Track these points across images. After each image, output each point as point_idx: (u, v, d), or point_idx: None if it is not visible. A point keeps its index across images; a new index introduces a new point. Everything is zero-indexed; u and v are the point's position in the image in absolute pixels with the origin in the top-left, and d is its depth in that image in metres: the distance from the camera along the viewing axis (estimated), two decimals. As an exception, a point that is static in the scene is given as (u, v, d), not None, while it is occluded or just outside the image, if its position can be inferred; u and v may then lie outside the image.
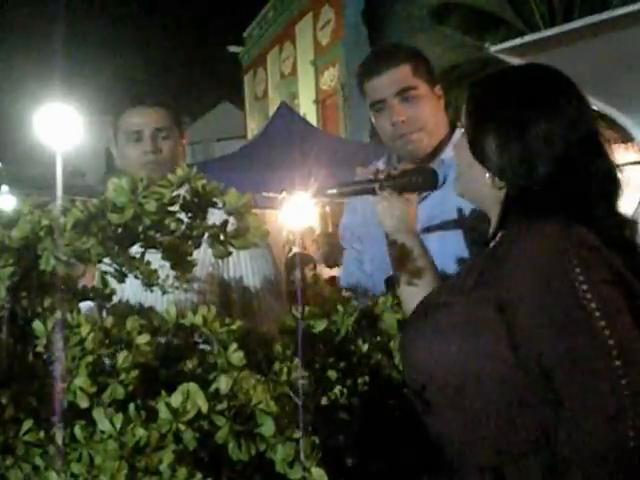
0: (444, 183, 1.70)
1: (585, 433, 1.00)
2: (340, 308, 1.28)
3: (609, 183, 1.19)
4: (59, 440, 0.92)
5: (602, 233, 1.11)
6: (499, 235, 1.21)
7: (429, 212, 1.89)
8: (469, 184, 1.27)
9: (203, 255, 1.11)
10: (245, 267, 1.88)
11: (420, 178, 1.59)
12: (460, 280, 1.22)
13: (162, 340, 1.04)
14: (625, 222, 1.18)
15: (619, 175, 1.20)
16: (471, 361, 1.11)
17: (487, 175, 1.20)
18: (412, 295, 1.38)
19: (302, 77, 16.50)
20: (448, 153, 1.85)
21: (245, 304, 1.88)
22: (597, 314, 1.02)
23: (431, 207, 1.89)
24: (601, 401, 1.00)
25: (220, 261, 1.83)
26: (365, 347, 1.23)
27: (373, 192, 1.57)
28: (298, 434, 0.90)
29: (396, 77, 1.89)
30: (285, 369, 1.00)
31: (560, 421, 1.03)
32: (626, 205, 1.25)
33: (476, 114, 1.23)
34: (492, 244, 1.22)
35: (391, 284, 1.58)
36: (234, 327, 1.00)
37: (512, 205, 1.18)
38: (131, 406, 0.91)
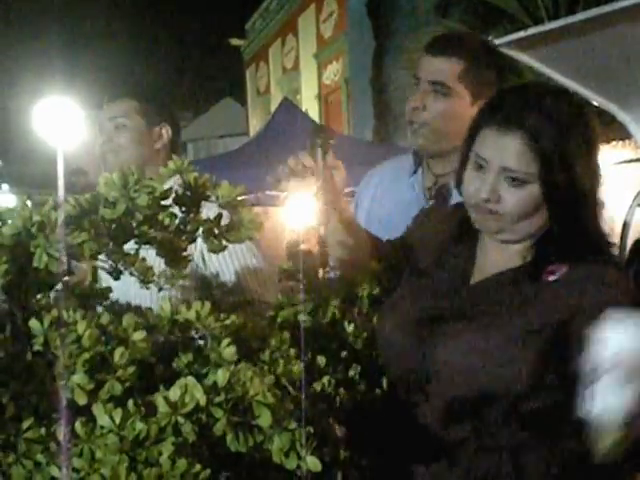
0: None
1: None
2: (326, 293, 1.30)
3: None
4: (60, 436, 0.92)
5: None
6: (562, 271, 1.24)
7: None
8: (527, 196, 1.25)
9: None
10: (231, 261, 1.87)
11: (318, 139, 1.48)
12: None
13: (158, 336, 1.04)
14: None
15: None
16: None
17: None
18: None
19: (304, 71, 16.35)
20: None
21: (232, 298, 1.87)
22: None
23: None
24: None
25: (205, 256, 1.84)
26: (350, 328, 1.29)
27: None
28: (294, 424, 0.91)
29: (440, 67, 1.83)
30: (281, 360, 1.01)
31: None
32: (622, 203, 1.28)
33: (565, 130, 1.23)
34: (551, 277, 1.24)
35: None
36: (228, 322, 1.00)
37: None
38: (130, 402, 0.91)
